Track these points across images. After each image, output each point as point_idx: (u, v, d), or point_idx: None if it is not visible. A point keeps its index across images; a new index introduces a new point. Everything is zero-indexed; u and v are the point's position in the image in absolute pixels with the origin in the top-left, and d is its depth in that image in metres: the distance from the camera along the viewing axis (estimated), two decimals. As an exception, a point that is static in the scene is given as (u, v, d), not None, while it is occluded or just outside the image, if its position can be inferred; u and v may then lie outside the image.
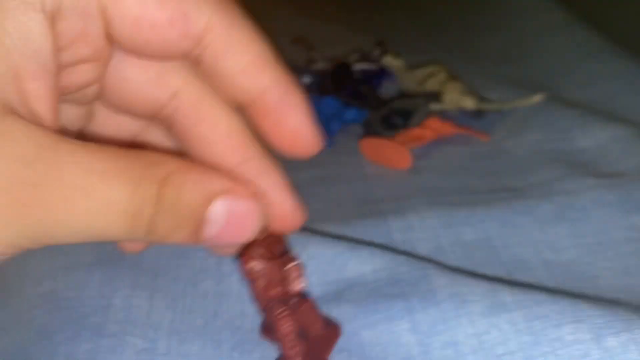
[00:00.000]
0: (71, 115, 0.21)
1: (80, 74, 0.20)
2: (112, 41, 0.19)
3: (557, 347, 0.22)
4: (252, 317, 0.26)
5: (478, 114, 0.41)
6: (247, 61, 0.19)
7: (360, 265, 0.27)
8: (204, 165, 0.19)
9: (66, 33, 0.18)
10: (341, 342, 0.24)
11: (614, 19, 0.51)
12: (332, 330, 0.25)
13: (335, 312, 0.25)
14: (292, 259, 0.22)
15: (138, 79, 0.21)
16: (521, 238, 0.30)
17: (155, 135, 0.23)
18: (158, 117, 0.22)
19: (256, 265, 0.22)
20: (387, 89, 0.44)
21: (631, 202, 0.31)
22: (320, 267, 0.27)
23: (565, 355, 0.21)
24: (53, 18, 0.17)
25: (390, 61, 0.43)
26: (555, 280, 0.28)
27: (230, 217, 0.19)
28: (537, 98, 0.41)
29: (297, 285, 0.22)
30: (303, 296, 0.23)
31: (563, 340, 0.22)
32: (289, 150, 0.21)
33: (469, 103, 0.40)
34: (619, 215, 0.30)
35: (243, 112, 0.21)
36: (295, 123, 0.20)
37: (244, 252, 0.22)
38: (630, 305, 0.24)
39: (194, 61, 0.20)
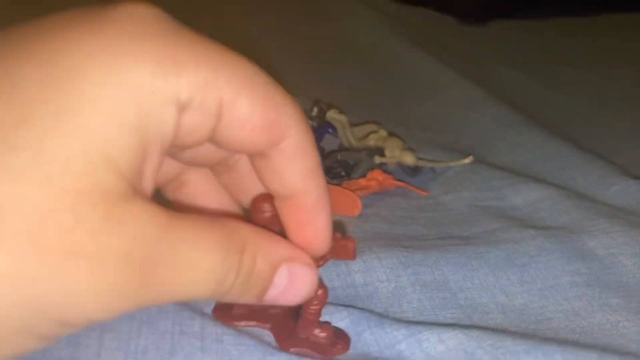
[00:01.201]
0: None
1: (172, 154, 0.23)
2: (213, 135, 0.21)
3: None
4: (215, 353, 0.25)
5: (414, 170, 0.43)
6: (307, 167, 0.22)
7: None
8: (269, 233, 0.22)
9: (186, 127, 0.19)
10: None
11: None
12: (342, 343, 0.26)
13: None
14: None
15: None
16: (475, 282, 0.31)
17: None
18: (219, 165, 0.25)
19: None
20: (328, 143, 0.45)
21: (571, 250, 0.33)
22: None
23: None
24: (181, 111, 0.19)
25: (335, 116, 0.44)
26: (511, 323, 0.28)
27: (291, 282, 0.22)
28: (468, 159, 0.44)
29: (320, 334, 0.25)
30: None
31: None
32: (304, 245, 0.23)
33: (410, 159, 0.41)
34: (561, 261, 0.32)
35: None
36: (320, 225, 0.23)
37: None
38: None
39: (260, 157, 0.22)
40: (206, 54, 0.19)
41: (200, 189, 0.26)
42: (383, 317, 0.27)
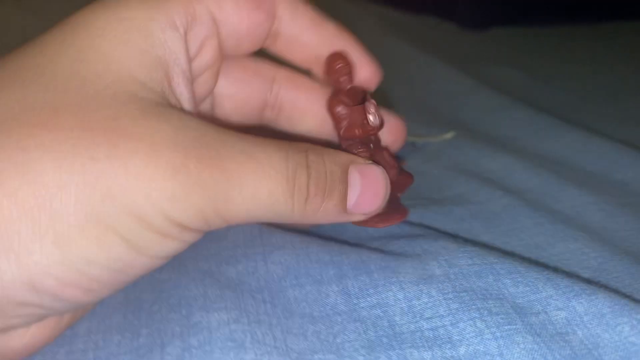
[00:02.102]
0: None
1: (204, 84, 0.23)
2: (222, 45, 0.23)
3: (484, 315, 0.23)
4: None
5: (395, 144, 0.43)
6: (311, 18, 0.24)
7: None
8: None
9: (194, 44, 0.22)
10: (266, 296, 0.24)
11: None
12: (406, 177, 0.26)
13: (262, 270, 0.25)
14: (369, 109, 0.24)
15: (242, 77, 0.26)
16: (438, 227, 0.31)
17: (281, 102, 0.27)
18: (267, 109, 0.27)
19: (341, 109, 0.24)
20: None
21: (538, 207, 0.33)
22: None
23: (492, 322, 0.22)
24: (185, 33, 0.21)
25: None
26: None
27: (364, 181, 0.22)
28: (449, 135, 0.44)
29: (374, 119, 0.24)
30: (383, 146, 0.26)
31: (490, 310, 0.23)
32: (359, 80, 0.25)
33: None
34: (527, 212, 0.33)
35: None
36: (355, 58, 0.25)
37: (332, 99, 0.25)
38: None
39: (274, 36, 0.24)
40: None
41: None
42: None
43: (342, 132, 0.25)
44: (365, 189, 0.22)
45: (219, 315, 0.22)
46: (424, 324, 0.23)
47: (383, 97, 0.55)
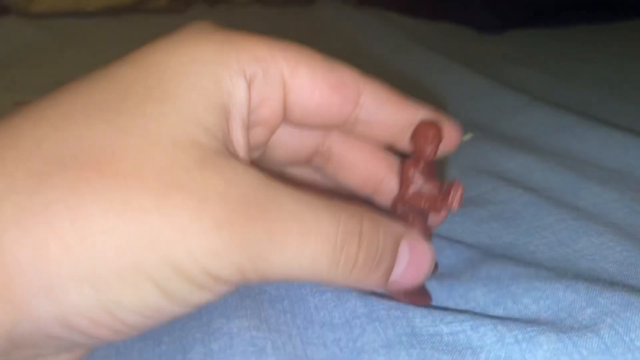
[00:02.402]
0: None
1: (258, 136, 0.23)
2: (286, 111, 0.23)
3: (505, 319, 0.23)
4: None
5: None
6: (397, 105, 0.24)
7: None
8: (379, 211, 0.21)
9: (255, 98, 0.22)
10: (286, 305, 0.24)
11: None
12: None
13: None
14: (456, 195, 0.23)
15: (290, 138, 0.25)
16: (458, 231, 0.31)
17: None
18: (316, 155, 0.26)
19: (417, 174, 0.24)
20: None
21: (560, 204, 0.33)
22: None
23: (513, 325, 0.22)
24: (249, 84, 0.21)
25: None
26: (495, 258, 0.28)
27: (412, 256, 0.21)
28: (467, 136, 0.44)
29: (455, 203, 0.23)
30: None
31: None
32: None
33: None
34: (549, 209, 0.32)
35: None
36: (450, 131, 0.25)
37: (412, 162, 0.24)
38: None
39: (352, 122, 0.24)
40: (259, 38, 0.22)
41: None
42: None
43: (408, 195, 0.24)
44: (411, 265, 0.22)
45: (239, 322, 0.22)
46: (444, 328, 0.22)
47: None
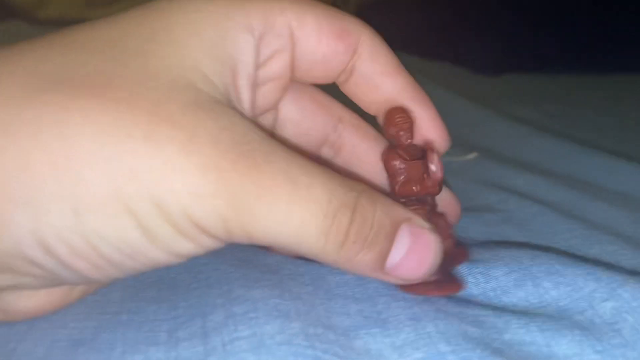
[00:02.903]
0: None
1: (266, 95, 0.23)
2: (293, 66, 0.23)
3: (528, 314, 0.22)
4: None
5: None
6: (388, 64, 0.23)
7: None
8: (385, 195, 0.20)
9: (264, 53, 0.22)
10: (307, 279, 0.24)
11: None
12: (462, 251, 0.25)
13: (301, 260, 0.25)
14: (432, 159, 0.22)
15: (311, 107, 0.25)
16: (470, 234, 0.31)
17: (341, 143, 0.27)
18: (327, 142, 0.26)
19: (399, 163, 0.23)
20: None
21: (570, 215, 0.33)
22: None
23: (537, 318, 0.22)
24: (259, 40, 0.21)
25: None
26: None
27: (413, 244, 0.20)
28: (472, 155, 0.45)
29: (438, 172, 0.22)
30: (439, 212, 0.24)
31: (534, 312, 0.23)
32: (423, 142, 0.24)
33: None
34: (559, 219, 0.32)
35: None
36: (426, 116, 0.24)
37: (388, 152, 0.23)
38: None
39: (348, 73, 0.24)
40: None
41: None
42: None
43: (397, 187, 0.23)
44: (412, 253, 0.20)
45: (261, 291, 0.22)
46: (469, 311, 0.22)
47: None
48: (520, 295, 0.23)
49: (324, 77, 0.24)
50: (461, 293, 0.24)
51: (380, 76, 0.23)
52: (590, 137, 0.58)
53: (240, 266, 0.24)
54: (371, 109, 0.25)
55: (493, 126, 0.56)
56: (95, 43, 0.19)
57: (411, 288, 0.22)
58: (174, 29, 0.20)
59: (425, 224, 0.20)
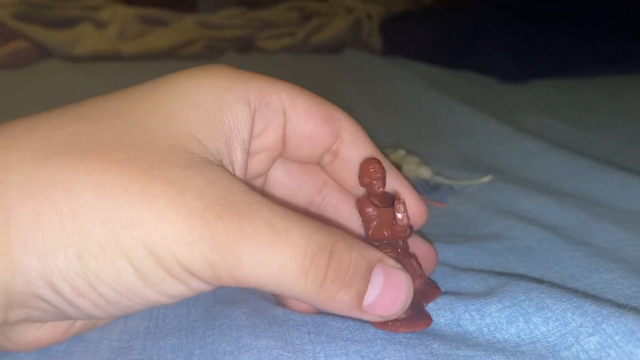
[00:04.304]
0: None
1: (259, 162, 0.25)
2: (285, 141, 0.25)
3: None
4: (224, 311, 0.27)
5: (434, 188, 0.45)
6: (367, 149, 0.26)
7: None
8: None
9: (259, 125, 0.24)
10: (310, 327, 0.26)
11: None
12: (433, 289, 0.27)
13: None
14: (399, 208, 0.24)
15: (298, 172, 0.28)
16: (475, 262, 0.32)
17: (326, 204, 0.28)
18: (312, 204, 0.28)
19: (371, 210, 0.25)
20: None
21: (574, 241, 0.34)
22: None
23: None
24: (255, 112, 0.24)
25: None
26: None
27: (387, 283, 0.22)
28: (486, 178, 0.46)
29: (404, 219, 0.24)
30: (411, 253, 0.26)
31: (523, 352, 0.24)
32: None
33: (426, 172, 0.44)
34: (563, 246, 0.33)
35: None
36: (407, 193, 0.27)
37: (362, 200, 0.26)
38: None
39: (333, 154, 0.26)
40: (265, 77, 0.25)
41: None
42: None
43: (370, 232, 0.25)
44: (386, 291, 0.22)
45: (267, 342, 0.24)
46: (460, 352, 0.24)
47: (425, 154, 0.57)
48: (512, 331, 0.25)
49: (311, 155, 0.26)
50: (457, 330, 0.25)
51: (361, 160, 0.26)
52: (611, 146, 0.59)
53: (252, 315, 0.26)
54: (353, 190, 0.27)
55: (511, 143, 0.56)
56: (102, 114, 0.22)
57: (383, 325, 0.24)
58: (175, 102, 0.22)
59: (397, 264, 0.22)
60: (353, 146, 0.26)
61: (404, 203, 0.24)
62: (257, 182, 0.27)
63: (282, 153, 0.26)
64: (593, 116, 0.74)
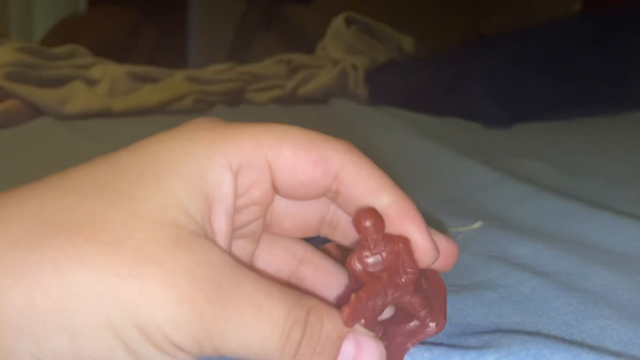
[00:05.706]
0: (240, 251, 0.27)
1: (249, 214, 0.26)
2: (276, 188, 0.25)
3: None
4: None
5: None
6: (371, 186, 0.25)
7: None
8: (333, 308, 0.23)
9: (243, 184, 0.24)
10: None
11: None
12: (440, 320, 0.26)
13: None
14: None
15: (294, 211, 0.27)
16: (469, 311, 0.33)
17: (303, 276, 0.29)
18: (324, 225, 0.28)
19: (360, 272, 0.24)
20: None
21: (567, 287, 0.35)
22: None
23: None
24: (236, 174, 0.24)
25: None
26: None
27: (357, 352, 0.23)
28: (477, 224, 0.46)
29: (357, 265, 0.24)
30: (421, 287, 0.26)
31: None
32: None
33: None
34: (557, 293, 0.34)
35: None
36: (411, 232, 0.24)
37: (352, 256, 0.24)
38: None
39: (334, 193, 0.25)
40: (249, 130, 0.24)
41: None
42: None
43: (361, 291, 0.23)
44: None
45: None
46: None
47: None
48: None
49: (308, 196, 0.26)
50: None
51: (365, 197, 0.25)
52: (595, 187, 0.60)
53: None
54: None
55: (499, 188, 0.57)
56: (88, 185, 0.22)
57: None
58: (161, 171, 0.23)
59: (369, 333, 0.23)
60: (353, 185, 0.25)
61: (370, 248, 0.23)
62: (246, 250, 0.27)
63: (283, 194, 0.26)
64: (576, 158, 0.75)
